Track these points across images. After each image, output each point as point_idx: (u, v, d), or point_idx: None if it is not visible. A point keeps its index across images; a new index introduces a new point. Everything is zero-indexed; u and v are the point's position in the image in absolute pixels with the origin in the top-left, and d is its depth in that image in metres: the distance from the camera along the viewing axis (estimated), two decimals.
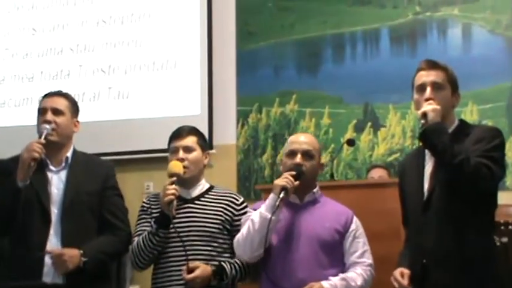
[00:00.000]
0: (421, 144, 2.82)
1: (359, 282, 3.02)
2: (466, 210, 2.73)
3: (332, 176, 4.48)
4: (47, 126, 3.31)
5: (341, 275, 3.02)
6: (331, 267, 3.04)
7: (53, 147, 3.35)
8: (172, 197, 3.14)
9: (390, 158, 5.19)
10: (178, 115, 5.43)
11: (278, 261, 3.06)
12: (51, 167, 3.37)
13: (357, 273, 3.04)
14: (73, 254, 3.20)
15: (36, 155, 3.18)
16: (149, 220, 3.30)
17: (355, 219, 3.15)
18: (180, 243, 3.17)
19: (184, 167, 3.26)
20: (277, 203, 2.95)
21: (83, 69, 5.85)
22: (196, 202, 3.33)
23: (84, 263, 3.21)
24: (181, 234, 3.19)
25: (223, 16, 5.68)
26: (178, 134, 3.38)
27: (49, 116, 3.35)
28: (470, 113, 4.94)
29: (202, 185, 3.40)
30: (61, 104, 3.42)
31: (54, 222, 3.27)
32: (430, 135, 2.72)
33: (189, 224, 3.26)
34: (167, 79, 5.63)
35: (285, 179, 3.00)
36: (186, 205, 3.31)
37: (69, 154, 3.42)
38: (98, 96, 5.78)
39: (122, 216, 3.47)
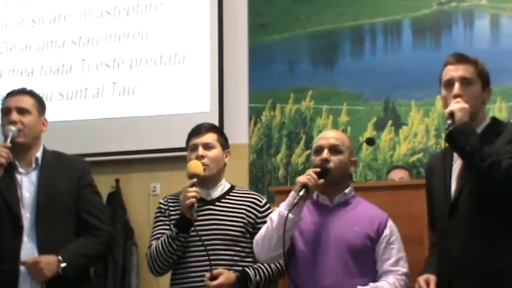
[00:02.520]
0: (447, 145, 2.80)
1: None
2: (496, 216, 2.69)
3: (350, 177, 4.47)
4: (13, 128, 3.29)
5: (371, 284, 2.98)
6: (360, 275, 3.00)
7: (21, 148, 3.33)
8: (193, 200, 3.15)
9: (412, 159, 5.17)
10: (187, 112, 5.43)
11: (303, 267, 3.04)
12: (20, 169, 3.35)
13: (389, 283, 2.98)
14: (50, 261, 3.19)
15: (2, 160, 3.18)
16: (167, 222, 3.32)
17: (389, 223, 3.10)
18: (201, 248, 3.18)
19: (203, 164, 3.28)
20: (295, 201, 2.92)
21: (86, 64, 5.86)
22: (217, 204, 3.35)
23: (62, 269, 3.20)
24: (203, 238, 3.20)
25: (234, 7, 5.67)
26: (197, 130, 3.41)
27: (14, 116, 3.32)
28: (498, 111, 4.91)
29: (223, 185, 3.42)
30: (26, 102, 3.40)
31: (28, 228, 3.25)
32: (457, 137, 2.69)
33: (210, 227, 3.27)
34: (175, 74, 5.63)
35: (307, 176, 2.97)
36: (207, 207, 3.32)
37: (38, 154, 3.40)
38: (102, 92, 5.79)
39: (101, 215, 3.46)
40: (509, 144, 2.71)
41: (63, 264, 3.20)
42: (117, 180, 5.60)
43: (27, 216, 3.27)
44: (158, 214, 3.41)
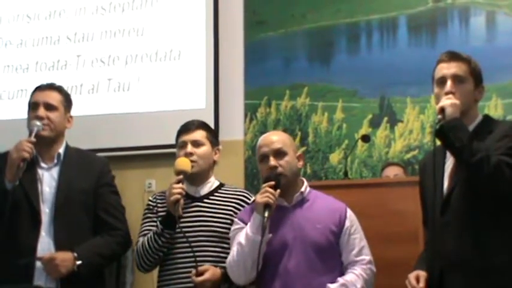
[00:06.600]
0: (438, 141, 2.81)
1: (359, 285, 3.00)
2: (487, 213, 2.71)
3: (346, 174, 4.48)
4: (38, 123, 3.31)
5: (340, 281, 3.00)
6: (327, 272, 3.03)
7: (44, 142, 3.35)
8: (178, 196, 3.16)
9: (408, 155, 5.17)
10: (182, 109, 5.42)
11: (270, 270, 3.04)
12: (42, 164, 3.37)
13: (356, 275, 3.02)
14: (66, 258, 3.20)
15: (26, 155, 3.19)
16: (155, 219, 3.33)
17: (349, 214, 3.13)
18: (188, 244, 3.19)
19: (192, 161, 3.29)
20: (264, 224, 2.94)
21: (81, 60, 5.84)
22: (205, 201, 3.36)
23: (78, 266, 3.21)
24: (189, 234, 3.22)
25: (230, 4, 5.66)
26: (186, 127, 3.41)
27: (41, 111, 3.35)
28: (494, 108, 4.92)
29: (212, 183, 3.42)
30: (54, 98, 3.42)
31: (46, 223, 3.27)
32: (447, 132, 2.71)
33: (197, 224, 3.28)
34: (170, 70, 5.62)
35: (265, 195, 2.99)
36: (194, 204, 3.34)
37: (61, 150, 3.42)
38: (97, 89, 5.77)
39: (119, 214, 3.48)
40: (500, 141, 2.73)
41: (79, 262, 3.21)
42: (112, 177, 5.59)
43: (46, 211, 3.29)
44: (146, 211, 3.43)
